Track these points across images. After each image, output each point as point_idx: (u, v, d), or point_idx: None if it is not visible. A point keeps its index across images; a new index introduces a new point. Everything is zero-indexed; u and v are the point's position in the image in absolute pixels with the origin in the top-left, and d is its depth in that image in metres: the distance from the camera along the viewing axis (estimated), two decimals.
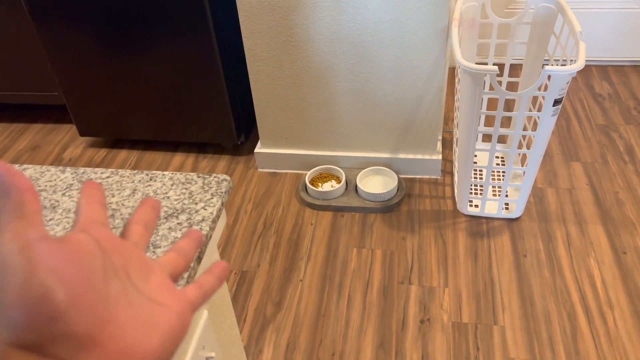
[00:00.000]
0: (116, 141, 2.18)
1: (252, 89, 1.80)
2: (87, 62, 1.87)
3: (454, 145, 1.83)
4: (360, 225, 1.72)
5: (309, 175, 1.85)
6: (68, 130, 2.28)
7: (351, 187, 1.83)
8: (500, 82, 1.99)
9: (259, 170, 1.98)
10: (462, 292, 1.50)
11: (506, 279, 1.52)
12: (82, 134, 2.10)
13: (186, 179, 0.71)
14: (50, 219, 0.67)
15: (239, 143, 2.04)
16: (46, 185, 0.72)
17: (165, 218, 0.66)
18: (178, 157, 2.07)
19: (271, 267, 1.61)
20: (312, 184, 1.83)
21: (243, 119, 2.03)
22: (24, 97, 2.20)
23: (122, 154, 2.11)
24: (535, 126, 1.66)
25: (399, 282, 1.54)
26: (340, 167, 1.89)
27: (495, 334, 1.39)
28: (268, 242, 1.69)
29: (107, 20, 1.75)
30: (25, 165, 0.75)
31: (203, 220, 0.65)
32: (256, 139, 2.09)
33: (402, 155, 1.87)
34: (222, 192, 0.68)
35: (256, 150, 1.95)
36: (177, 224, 0.65)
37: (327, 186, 1.83)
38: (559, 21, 1.59)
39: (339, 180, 1.85)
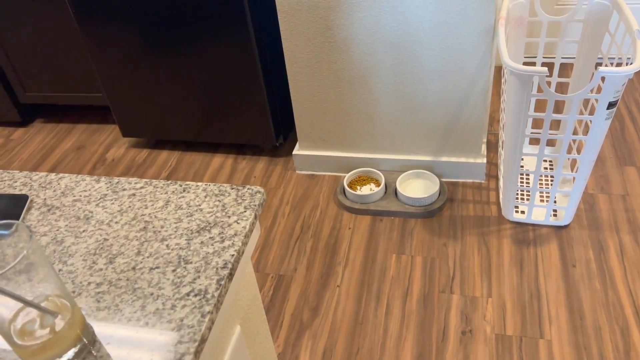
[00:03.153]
0: (157, 142, 2.20)
1: (290, 91, 1.78)
2: (129, 64, 1.89)
3: (500, 148, 1.76)
4: (399, 231, 1.68)
5: (347, 178, 1.82)
6: (111, 131, 2.32)
7: (391, 190, 1.79)
8: (549, 83, 1.90)
9: (297, 172, 1.97)
10: (506, 302, 1.43)
11: (554, 290, 1.45)
12: (125, 134, 2.13)
13: (219, 191, 0.69)
14: (84, 231, 0.66)
15: (277, 145, 2.03)
16: (81, 195, 0.71)
17: (198, 232, 0.64)
18: (217, 158, 2.08)
19: (308, 272, 1.59)
20: (351, 187, 1.80)
21: (282, 120, 2.01)
22: (70, 99, 2.26)
23: (163, 154, 2.13)
24: (586, 130, 1.58)
25: (439, 290, 1.49)
26: (379, 170, 1.85)
27: (541, 348, 1.32)
28: (305, 245, 1.67)
29: (149, 25, 1.76)
30: (61, 174, 0.75)
31: (235, 234, 0.63)
32: (294, 140, 2.07)
33: (444, 158, 1.81)
34: (255, 205, 0.66)
35: (294, 152, 1.93)
36: (210, 238, 0.63)
37: (366, 189, 1.79)
38: (614, 18, 1.50)
39: (378, 184, 1.81)
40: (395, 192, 1.77)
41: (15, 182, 0.75)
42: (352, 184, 1.82)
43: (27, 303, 0.48)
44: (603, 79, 1.25)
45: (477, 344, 1.35)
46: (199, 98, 1.92)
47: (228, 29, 1.71)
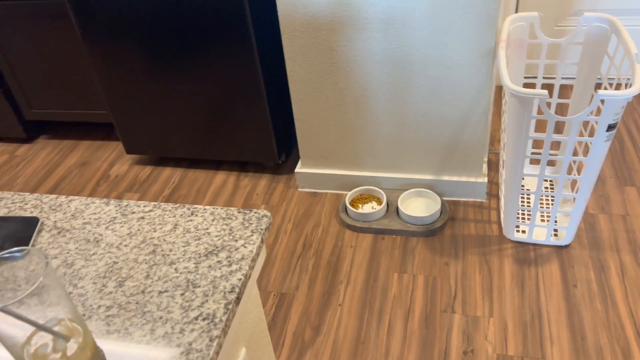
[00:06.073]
0: (161, 159, 2.22)
1: (293, 109, 1.80)
2: (134, 82, 1.92)
3: (500, 168, 1.78)
4: (401, 249, 1.69)
5: (349, 196, 1.83)
6: (115, 148, 2.34)
7: (392, 209, 1.80)
8: (549, 104, 1.93)
9: (299, 189, 1.98)
10: (507, 322, 1.44)
11: (555, 310, 1.46)
12: (129, 151, 2.15)
13: (227, 214, 0.70)
14: (93, 254, 0.67)
15: (279, 162, 2.05)
16: (90, 218, 0.73)
17: (206, 255, 0.65)
18: (220, 176, 2.09)
19: (310, 290, 1.59)
20: (352, 205, 1.81)
21: (284, 138, 2.03)
22: (74, 115, 2.28)
23: (167, 171, 2.15)
24: (586, 150, 1.59)
25: (441, 310, 1.49)
26: (381, 189, 1.87)
27: None
28: (307, 263, 1.68)
29: (154, 44, 1.79)
30: (71, 197, 0.77)
31: (243, 258, 0.64)
32: (297, 158, 2.09)
33: (446, 177, 1.83)
34: (262, 229, 0.67)
35: (296, 169, 1.95)
36: (217, 262, 0.64)
37: (368, 208, 1.80)
38: (612, 41, 1.53)
39: (379, 202, 1.82)
40: (397, 210, 1.78)
41: (26, 204, 0.76)
42: (354, 202, 1.83)
43: (41, 327, 0.50)
44: (602, 101, 1.27)
45: None
46: (202, 116, 1.94)
47: (232, 48, 1.74)
